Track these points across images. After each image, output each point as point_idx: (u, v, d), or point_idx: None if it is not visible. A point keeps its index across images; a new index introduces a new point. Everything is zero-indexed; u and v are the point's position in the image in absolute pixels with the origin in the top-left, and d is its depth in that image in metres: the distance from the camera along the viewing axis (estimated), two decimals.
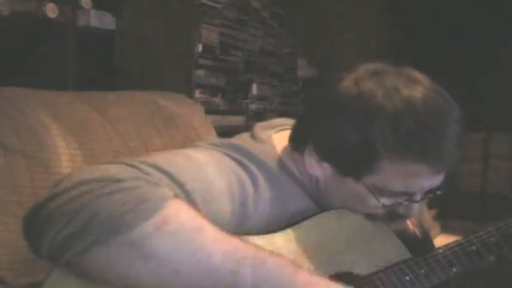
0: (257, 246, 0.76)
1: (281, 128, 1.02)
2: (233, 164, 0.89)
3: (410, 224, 1.02)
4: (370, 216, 0.95)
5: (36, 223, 0.71)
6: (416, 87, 0.87)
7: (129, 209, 0.69)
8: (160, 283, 0.71)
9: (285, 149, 0.98)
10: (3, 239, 1.00)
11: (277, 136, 1.00)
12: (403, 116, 0.84)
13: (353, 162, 0.89)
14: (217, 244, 0.72)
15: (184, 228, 0.71)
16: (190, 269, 0.70)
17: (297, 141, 0.97)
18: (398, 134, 0.84)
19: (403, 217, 0.95)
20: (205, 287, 0.71)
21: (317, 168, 0.94)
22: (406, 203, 0.91)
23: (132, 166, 0.76)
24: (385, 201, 0.91)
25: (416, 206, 0.93)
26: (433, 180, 0.90)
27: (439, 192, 0.94)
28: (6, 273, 0.99)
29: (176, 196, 0.74)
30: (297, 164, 0.97)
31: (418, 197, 0.92)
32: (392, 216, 0.94)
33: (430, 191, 0.93)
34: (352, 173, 0.90)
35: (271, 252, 0.77)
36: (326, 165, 0.92)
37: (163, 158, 0.83)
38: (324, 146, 0.91)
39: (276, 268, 0.75)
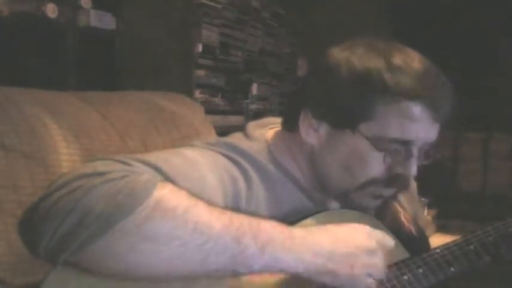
0: (247, 215, 0.79)
1: (273, 126, 1.04)
2: (227, 162, 0.90)
3: (405, 221, 1.03)
4: (367, 210, 0.96)
5: (32, 224, 0.71)
6: (408, 52, 0.92)
7: (122, 197, 0.70)
8: (173, 258, 0.72)
9: (277, 145, 0.99)
10: (3, 239, 1.00)
11: (270, 134, 1.01)
12: (398, 67, 0.88)
13: (350, 109, 0.90)
14: (213, 217, 0.74)
15: (179, 206, 0.72)
16: (194, 243, 0.72)
17: (290, 116, 0.98)
18: (394, 78, 0.87)
19: (402, 181, 0.94)
20: (213, 254, 0.73)
21: (313, 135, 0.94)
22: (404, 153, 0.91)
23: (121, 162, 0.77)
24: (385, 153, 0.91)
25: (414, 163, 0.92)
26: (428, 131, 0.91)
27: (434, 151, 0.94)
28: (6, 273, 0.99)
29: (163, 181, 0.76)
30: (290, 152, 0.98)
31: (414, 150, 0.91)
32: (392, 179, 0.93)
33: (425, 148, 0.93)
34: (350, 122, 0.90)
35: (260, 218, 0.80)
36: (323, 126, 0.93)
37: (157, 157, 0.83)
38: (320, 103, 0.92)
39: (273, 228, 0.78)
